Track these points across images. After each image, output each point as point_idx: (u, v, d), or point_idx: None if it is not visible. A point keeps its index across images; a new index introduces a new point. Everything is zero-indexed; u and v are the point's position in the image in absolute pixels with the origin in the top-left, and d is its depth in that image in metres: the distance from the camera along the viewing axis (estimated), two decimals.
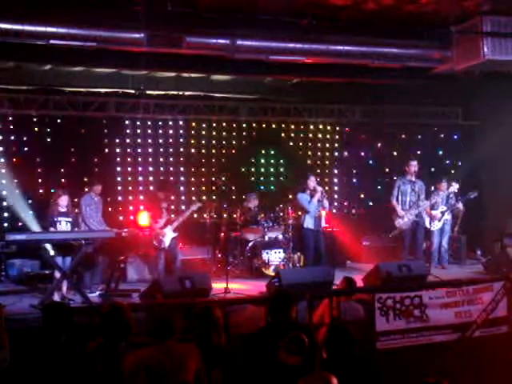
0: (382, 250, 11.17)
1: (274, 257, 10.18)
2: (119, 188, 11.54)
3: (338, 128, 13.12)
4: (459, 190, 10.66)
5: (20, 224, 9.81)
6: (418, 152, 12.61)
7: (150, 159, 11.85)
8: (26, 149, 10.75)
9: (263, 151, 12.67)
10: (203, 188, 12.19)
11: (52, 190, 9.94)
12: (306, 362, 4.31)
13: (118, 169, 11.56)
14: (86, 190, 9.80)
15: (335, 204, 12.92)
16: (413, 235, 10.24)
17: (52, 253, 7.92)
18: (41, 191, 10.66)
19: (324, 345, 4.45)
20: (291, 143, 12.89)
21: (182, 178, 12.05)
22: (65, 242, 7.97)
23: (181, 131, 12.11)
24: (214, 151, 12.33)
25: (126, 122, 11.57)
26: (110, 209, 10.77)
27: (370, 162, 13.13)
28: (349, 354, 4.32)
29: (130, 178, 11.66)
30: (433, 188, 10.46)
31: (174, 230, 9.39)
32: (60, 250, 7.99)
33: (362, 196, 13.10)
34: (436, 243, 10.64)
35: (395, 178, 10.51)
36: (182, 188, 12.01)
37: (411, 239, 10.24)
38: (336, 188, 13.20)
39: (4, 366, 4.39)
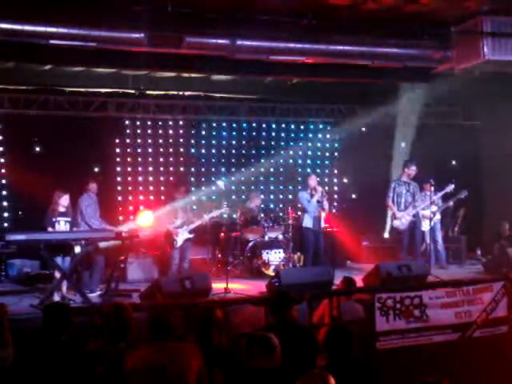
0: (381, 250, 11.18)
1: (274, 257, 10.18)
2: (119, 188, 11.54)
3: (337, 128, 13.12)
4: (451, 191, 10.67)
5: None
6: (418, 152, 12.59)
7: (150, 159, 11.86)
8: (26, 149, 10.74)
9: (263, 151, 12.68)
10: (203, 188, 12.19)
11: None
12: (296, 363, 4.26)
13: (118, 169, 11.57)
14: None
15: (335, 204, 12.93)
16: (411, 235, 10.25)
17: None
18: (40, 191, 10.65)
19: (324, 345, 4.44)
20: (291, 143, 12.91)
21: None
22: (64, 242, 7.98)
23: (181, 131, 12.12)
24: (213, 151, 12.34)
25: (126, 122, 11.58)
26: (110, 209, 10.74)
27: (370, 161, 13.11)
28: (349, 353, 4.32)
29: (129, 178, 11.67)
30: (433, 189, 10.41)
31: (190, 232, 9.42)
32: (60, 250, 7.99)
33: (362, 196, 13.10)
34: (429, 243, 10.61)
35: (392, 180, 10.49)
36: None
37: (409, 239, 10.25)
38: (336, 188, 13.21)
39: (7, 365, 4.39)
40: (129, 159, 11.67)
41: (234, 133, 12.51)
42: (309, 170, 12.74)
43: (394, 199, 10.28)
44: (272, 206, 12.44)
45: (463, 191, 10.74)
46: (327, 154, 13.20)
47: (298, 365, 4.24)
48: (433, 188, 10.26)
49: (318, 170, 12.97)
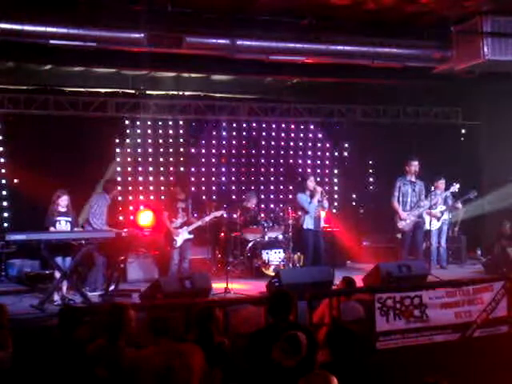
0: (381, 250, 11.17)
1: (274, 257, 10.19)
2: (119, 188, 11.52)
3: (337, 128, 13.12)
4: (459, 190, 10.67)
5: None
6: (418, 152, 12.59)
7: (150, 159, 11.85)
8: (25, 149, 10.73)
9: (263, 151, 12.68)
10: (203, 188, 12.20)
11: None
12: (304, 363, 4.28)
13: (118, 169, 11.56)
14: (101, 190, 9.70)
15: (335, 204, 12.93)
16: (413, 235, 10.23)
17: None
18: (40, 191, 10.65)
19: (325, 345, 4.44)
20: (291, 143, 12.92)
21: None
22: (65, 242, 7.98)
23: (181, 131, 12.11)
24: (213, 151, 12.34)
25: (126, 122, 11.56)
26: (110, 209, 10.72)
27: (370, 161, 13.14)
28: (351, 353, 4.30)
29: (130, 178, 11.66)
30: (433, 188, 10.43)
31: (189, 232, 9.41)
32: (60, 250, 7.99)
33: (362, 196, 13.11)
34: (434, 243, 10.65)
35: (397, 179, 10.48)
36: None
37: (411, 239, 10.23)
38: (336, 188, 13.21)
39: (7, 367, 4.39)
40: (129, 159, 11.67)
41: (234, 133, 12.51)
42: (309, 170, 12.74)
43: (399, 199, 10.22)
44: (272, 205, 12.44)
45: (473, 191, 10.73)
46: (327, 154, 13.20)
47: (299, 364, 4.25)
48: (444, 186, 10.34)
49: (318, 170, 12.98)
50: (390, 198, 10.26)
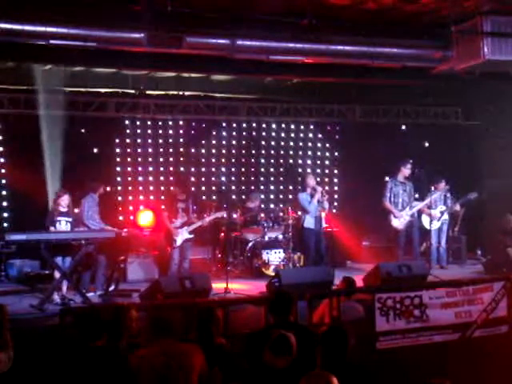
0: (381, 250, 11.17)
1: (274, 257, 10.19)
2: (119, 188, 11.54)
3: (337, 128, 13.12)
4: (457, 190, 10.69)
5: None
6: (418, 152, 12.59)
7: (150, 159, 11.86)
8: (26, 149, 10.72)
9: (263, 151, 12.68)
10: (203, 188, 12.20)
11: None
12: (298, 363, 4.26)
13: (118, 169, 11.57)
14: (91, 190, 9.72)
15: (335, 204, 12.93)
16: (407, 235, 10.27)
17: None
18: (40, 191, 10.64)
19: (320, 345, 4.43)
20: (291, 143, 12.92)
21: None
22: (65, 242, 7.98)
23: (181, 131, 12.11)
24: (213, 151, 12.34)
25: (126, 122, 11.57)
26: (110, 209, 10.72)
27: (369, 162, 13.11)
28: (343, 354, 4.26)
29: (129, 178, 11.67)
30: (433, 188, 10.45)
31: (190, 232, 9.42)
32: (60, 250, 7.99)
33: (361, 196, 13.09)
34: (434, 243, 10.66)
35: (388, 180, 10.49)
36: None
37: (406, 239, 10.27)
38: (336, 188, 13.20)
39: (7, 368, 4.38)
40: (129, 159, 11.67)
41: (234, 133, 12.51)
42: (309, 170, 12.74)
43: (390, 199, 10.28)
44: (272, 205, 12.44)
45: (473, 193, 10.76)
46: (327, 154, 13.20)
47: (299, 365, 4.24)
48: (447, 187, 10.34)
49: (318, 170, 12.98)
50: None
